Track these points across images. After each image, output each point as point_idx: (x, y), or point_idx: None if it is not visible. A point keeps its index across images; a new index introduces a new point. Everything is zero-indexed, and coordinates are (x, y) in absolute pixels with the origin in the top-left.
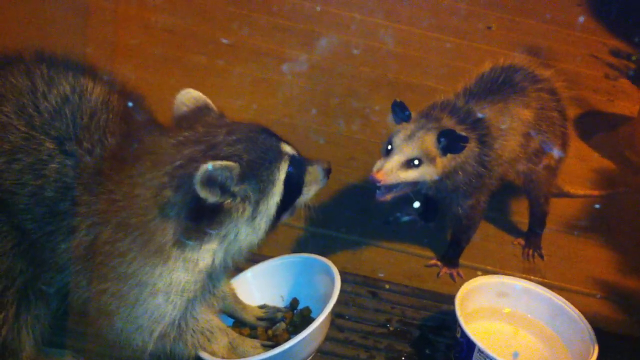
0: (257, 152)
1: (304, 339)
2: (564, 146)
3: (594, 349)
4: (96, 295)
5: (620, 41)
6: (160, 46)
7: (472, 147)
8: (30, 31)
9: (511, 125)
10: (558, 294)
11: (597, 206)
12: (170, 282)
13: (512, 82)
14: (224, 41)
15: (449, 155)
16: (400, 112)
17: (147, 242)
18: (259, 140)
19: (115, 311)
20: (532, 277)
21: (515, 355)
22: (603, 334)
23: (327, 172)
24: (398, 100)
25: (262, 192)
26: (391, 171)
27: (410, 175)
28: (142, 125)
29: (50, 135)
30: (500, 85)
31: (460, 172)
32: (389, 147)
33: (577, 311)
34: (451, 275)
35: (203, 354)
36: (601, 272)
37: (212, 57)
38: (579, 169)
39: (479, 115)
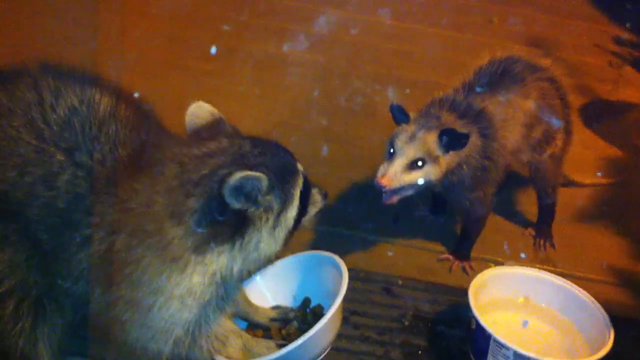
0: (280, 165)
1: (314, 335)
2: (568, 134)
3: (609, 335)
4: (110, 305)
5: (622, 29)
6: (161, 54)
7: (474, 141)
8: (35, 43)
9: (513, 116)
10: (571, 282)
11: (606, 194)
12: (185, 290)
13: (511, 73)
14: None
15: (451, 152)
16: (399, 114)
17: (163, 249)
18: (280, 154)
19: (129, 320)
20: (544, 267)
21: (526, 323)
22: (618, 320)
23: (325, 196)
24: (395, 103)
25: (284, 204)
26: (395, 175)
27: (415, 176)
28: (153, 134)
29: (60, 147)
30: (499, 77)
31: (464, 167)
32: (391, 150)
33: (591, 298)
34: (463, 269)
35: (219, 358)
36: (613, 259)
37: (214, 62)
38: (586, 157)
39: (480, 108)
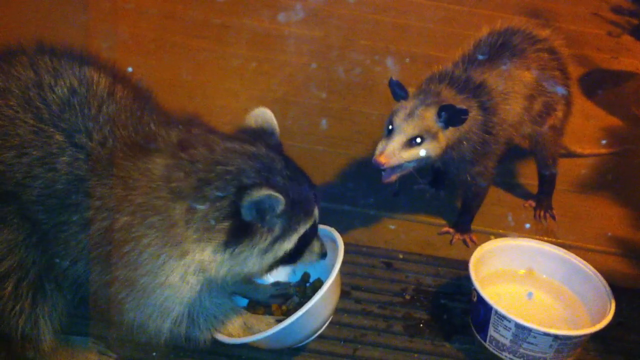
0: (299, 196)
1: (311, 308)
2: (568, 105)
3: (610, 305)
4: (108, 284)
5: None
6: (154, 31)
7: (474, 116)
8: (28, 23)
9: (513, 88)
10: (572, 253)
11: (607, 164)
12: (179, 276)
13: (511, 45)
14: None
15: (451, 128)
16: (398, 90)
17: (165, 230)
18: (305, 188)
19: (125, 299)
20: (545, 238)
21: (530, 295)
22: (619, 290)
23: (324, 255)
24: (394, 79)
25: (285, 233)
26: (393, 153)
27: (413, 153)
28: (153, 115)
29: (59, 128)
30: (498, 49)
31: (464, 142)
32: (390, 127)
33: (592, 268)
34: (464, 241)
35: (219, 336)
36: (614, 229)
37: (213, 40)
38: (587, 127)
39: (479, 81)
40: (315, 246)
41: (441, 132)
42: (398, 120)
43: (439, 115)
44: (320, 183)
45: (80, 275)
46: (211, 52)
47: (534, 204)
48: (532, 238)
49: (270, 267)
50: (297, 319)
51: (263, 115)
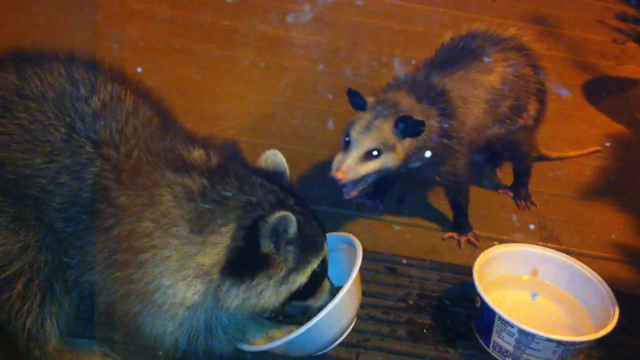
0: (310, 230)
1: (331, 311)
2: (541, 102)
3: (614, 312)
4: (123, 295)
5: (625, 5)
6: (162, 36)
7: (432, 124)
8: (39, 25)
9: (472, 93)
10: (576, 259)
11: (611, 170)
12: (196, 297)
13: (471, 49)
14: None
15: (408, 138)
16: (357, 99)
17: (187, 246)
18: (314, 224)
19: (141, 312)
20: (548, 244)
21: (535, 295)
22: (623, 296)
23: (332, 294)
24: (352, 88)
25: (298, 265)
26: (350, 168)
27: (371, 167)
28: (175, 130)
29: (90, 139)
30: (459, 54)
31: (424, 149)
32: (347, 139)
33: (596, 275)
34: (469, 242)
35: (241, 345)
36: (618, 236)
37: (220, 44)
38: (591, 134)
39: (439, 89)
40: (327, 285)
41: (399, 144)
42: (355, 133)
43: (396, 126)
44: (325, 188)
45: (93, 282)
46: (218, 55)
47: (511, 193)
48: (536, 244)
49: (284, 303)
50: (317, 322)
51: (274, 157)
